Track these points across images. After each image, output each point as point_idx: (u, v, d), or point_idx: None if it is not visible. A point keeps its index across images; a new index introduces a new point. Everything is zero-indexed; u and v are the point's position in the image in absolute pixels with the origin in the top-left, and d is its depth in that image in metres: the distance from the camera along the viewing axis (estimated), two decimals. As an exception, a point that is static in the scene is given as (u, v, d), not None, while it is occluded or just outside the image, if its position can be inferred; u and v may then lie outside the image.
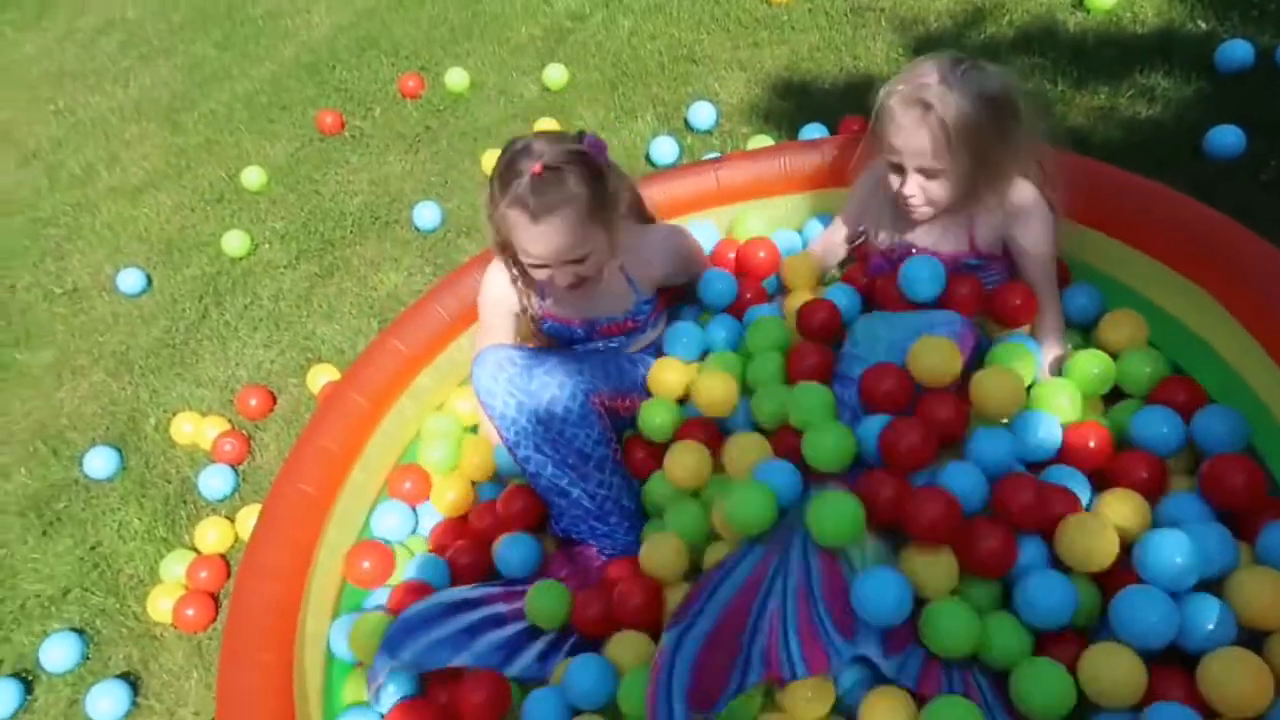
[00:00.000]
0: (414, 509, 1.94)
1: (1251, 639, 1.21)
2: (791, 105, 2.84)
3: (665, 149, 2.79)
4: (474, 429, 2.07)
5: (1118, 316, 1.70)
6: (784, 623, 1.29)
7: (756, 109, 2.90)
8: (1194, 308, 1.62)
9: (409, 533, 1.91)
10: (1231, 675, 1.14)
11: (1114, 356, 1.63)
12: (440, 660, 1.52)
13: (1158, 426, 1.48)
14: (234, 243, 3.06)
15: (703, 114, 2.87)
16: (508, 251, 1.77)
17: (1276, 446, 1.45)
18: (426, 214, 2.89)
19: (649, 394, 1.84)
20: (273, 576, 1.60)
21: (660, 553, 1.56)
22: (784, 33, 3.15)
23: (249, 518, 2.17)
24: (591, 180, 1.61)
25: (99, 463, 2.45)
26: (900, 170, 1.64)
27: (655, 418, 1.75)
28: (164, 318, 2.96)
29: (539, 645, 1.58)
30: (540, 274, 1.72)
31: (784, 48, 3.09)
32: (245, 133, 3.74)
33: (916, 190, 1.63)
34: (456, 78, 3.46)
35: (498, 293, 1.89)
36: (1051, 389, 1.57)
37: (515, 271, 1.83)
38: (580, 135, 1.68)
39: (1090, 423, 1.55)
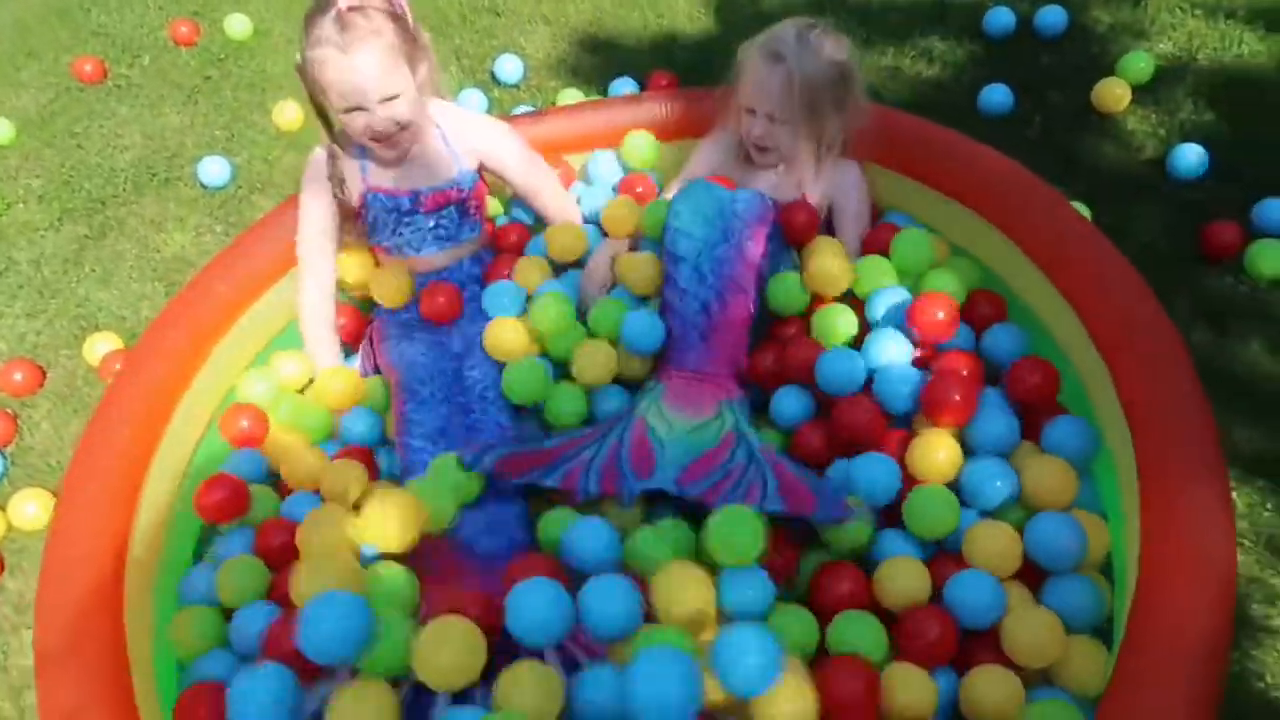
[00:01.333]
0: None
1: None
2: (599, 60, 2.84)
3: (473, 102, 2.71)
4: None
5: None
6: (591, 462, 1.53)
7: (564, 63, 2.87)
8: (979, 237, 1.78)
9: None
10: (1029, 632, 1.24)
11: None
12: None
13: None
14: (-21, 202, 2.70)
15: (509, 68, 2.81)
16: (321, 112, 1.77)
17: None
18: (213, 169, 2.66)
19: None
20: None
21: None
22: (587, -12, 3.14)
23: (23, 503, 1.94)
24: (395, 19, 1.68)
25: None
26: (753, 114, 1.80)
27: (518, 382, 1.72)
28: (-106, 289, 2.57)
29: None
30: (357, 122, 1.71)
31: (587, 3, 3.07)
32: (-16, 81, 3.30)
33: (764, 132, 1.79)
34: (238, 25, 3.20)
35: (318, 172, 1.86)
36: (873, 264, 1.70)
37: (334, 160, 1.83)
38: None
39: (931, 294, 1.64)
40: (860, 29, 2.72)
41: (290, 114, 2.78)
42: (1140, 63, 2.35)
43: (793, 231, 1.78)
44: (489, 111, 2.72)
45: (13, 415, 2.17)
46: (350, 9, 1.63)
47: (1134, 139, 2.28)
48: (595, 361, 1.72)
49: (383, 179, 1.87)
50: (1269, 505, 1.63)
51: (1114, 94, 2.32)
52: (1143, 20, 2.54)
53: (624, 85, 2.64)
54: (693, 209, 1.66)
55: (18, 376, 2.22)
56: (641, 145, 2.12)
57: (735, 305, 1.63)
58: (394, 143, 1.78)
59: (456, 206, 1.93)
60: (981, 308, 1.69)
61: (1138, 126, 2.31)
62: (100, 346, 2.23)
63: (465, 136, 1.92)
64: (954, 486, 1.42)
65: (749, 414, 1.63)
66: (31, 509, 1.93)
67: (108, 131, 2.97)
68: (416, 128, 1.80)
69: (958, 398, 1.43)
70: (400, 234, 1.92)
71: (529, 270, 1.93)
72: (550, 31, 2.99)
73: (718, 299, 1.63)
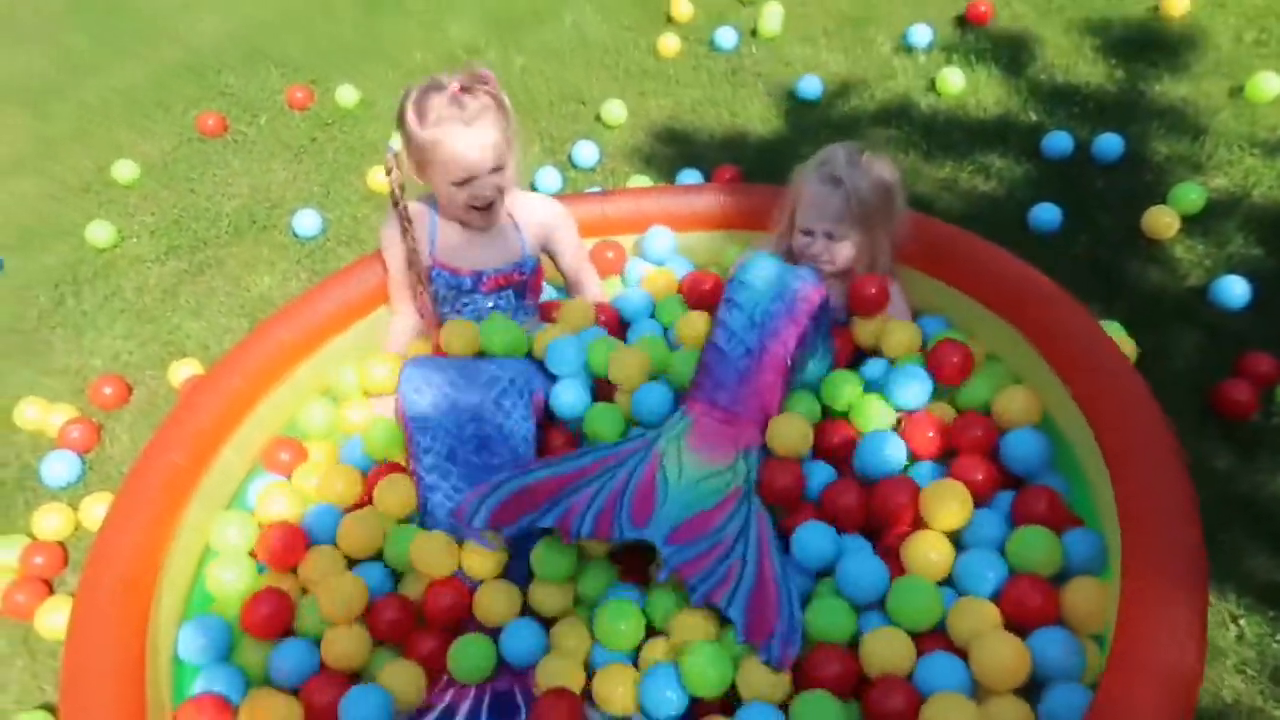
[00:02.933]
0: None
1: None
2: (672, 151, 3.02)
3: (550, 179, 2.91)
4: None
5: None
6: (591, 500, 1.54)
7: (638, 152, 3.06)
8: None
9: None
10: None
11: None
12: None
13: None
14: (99, 233, 2.98)
15: (586, 152, 3.01)
16: (424, 176, 1.91)
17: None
18: (307, 221, 2.90)
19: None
20: (131, 548, 1.58)
21: None
22: (669, 85, 3.34)
23: (94, 506, 2.11)
24: (498, 99, 1.85)
25: None
26: (810, 234, 1.94)
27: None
28: (14, 303, 2.84)
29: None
30: (463, 192, 1.87)
31: (668, 99, 3.28)
32: (120, 127, 3.65)
33: (822, 250, 1.94)
34: (347, 94, 3.49)
35: (392, 240, 2.03)
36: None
37: (408, 224, 1.97)
38: (468, 66, 1.88)
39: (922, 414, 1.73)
40: (922, 141, 2.85)
41: (381, 177, 3.01)
42: (1192, 194, 2.41)
43: (864, 303, 1.87)
44: (562, 191, 2.90)
45: (98, 425, 2.37)
46: (464, 89, 1.81)
47: (1179, 266, 2.33)
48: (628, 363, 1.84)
49: (449, 256, 2.01)
50: (1279, 637, 1.62)
51: (1163, 221, 2.38)
52: (1200, 154, 2.61)
53: (690, 175, 2.79)
54: (758, 268, 1.75)
55: (107, 390, 2.42)
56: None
57: (776, 356, 1.68)
58: (491, 212, 1.95)
59: (515, 289, 2.06)
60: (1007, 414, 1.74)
61: (1184, 255, 2.35)
62: (183, 371, 2.42)
63: (532, 216, 2.05)
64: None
65: (760, 466, 1.66)
66: (100, 512, 2.10)
67: (220, 180, 3.25)
68: (504, 202, 1.97)
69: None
70: (459, 311, 2.06)
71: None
72: (630, 122, 3.19)
73: (762, 346, 1.68)
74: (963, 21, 3.31)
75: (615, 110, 3.16)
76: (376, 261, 2.09)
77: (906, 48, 3.25)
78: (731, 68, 3.36)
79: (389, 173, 1.93)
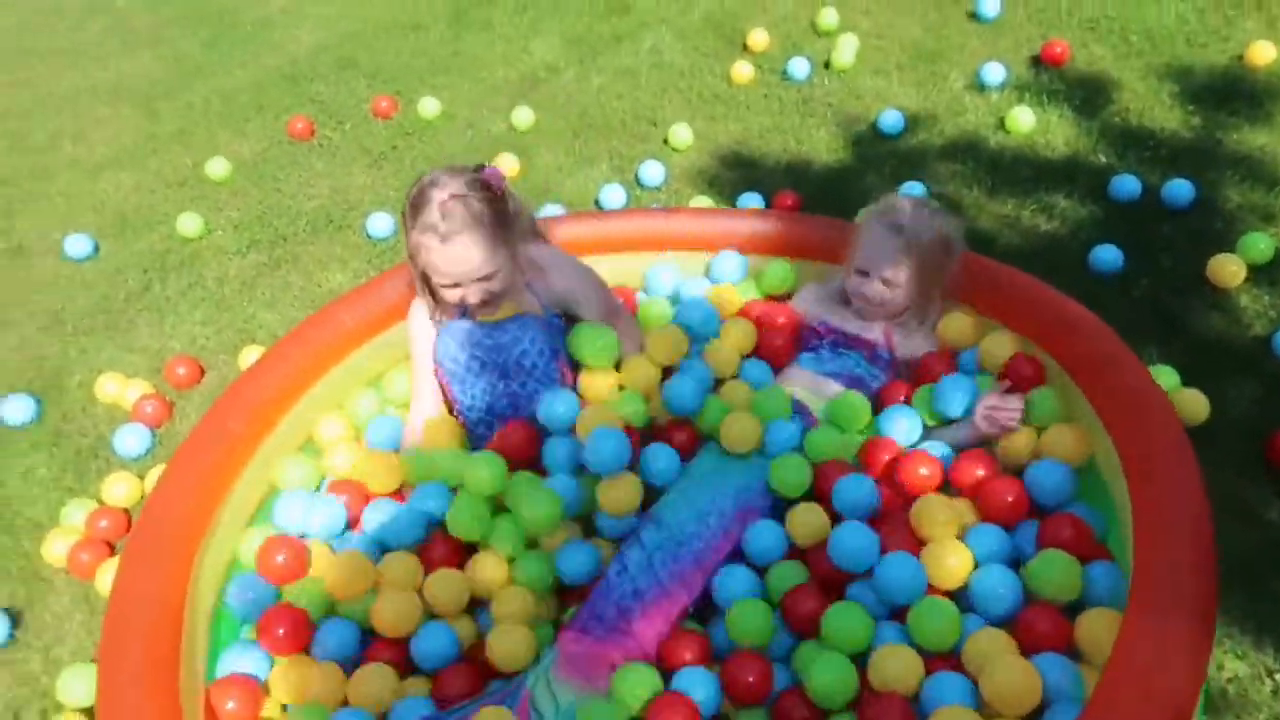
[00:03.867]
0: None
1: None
2: (735, 175, 3.07)
3: (614, 196, 2.98)
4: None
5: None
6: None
7: (703, 174, 3.12)
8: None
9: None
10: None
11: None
12: None
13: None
14: (188, 224, 3.15)
15: (652, 172, 3.08)
16: (424, 278, 1.91)
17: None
18: (380, 224, 3.02)
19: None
20: (182, 499, 1.68)
21: None
22: (739, 111, 3.40)
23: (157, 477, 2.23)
24: (492, 203, 1.80)
25: (15, 409, 2.49)
26: (865, 275, 1.99)
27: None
28: (105, 285, 3.02)
29: None
30: (453, 294, 1.86)
31: (737, 124, 3.33)
32: (218, 127, 3.86)
33: (876, 293, 1.98)
34: (429, 106, 3.64)
35: (420, 327, 2.03)
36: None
37: (432, 301, 1.97)
38: (479, 167, 1.86)
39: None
40: (987, 178, 2.84)
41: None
42: (1261, 244, 2.36)
43: (1021, 380, 1.81)
44: (625, 205, 2.97)
45: (170, 403, 2.51)
46: (452, 197, 1.75)
47: (1243, 315, 2.28)
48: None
49: (479, 311, 1.98)
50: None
51: (1229, 270, 2.33)
52: (1273, 204, 2.55)
53: (751, 198, 2.84)
54: (681, 493, 1.73)
55: (181, 371, 2.56)
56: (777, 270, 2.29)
57: (667, 606, 1.59)
58: (487, 308, 1.92)
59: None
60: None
61: (1249, 304, 2.30)
62: (253, 357, 2.54)
63: (550, 288, 2.00)
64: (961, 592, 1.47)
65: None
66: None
67: (303, 181, 3.42)
68: (508, 289, 1.92)
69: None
70: None
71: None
72: (697, 145, 3.25)
73: (652, 593, 1.59)
74: (1037, 62, 3.30)
75: (683, 133, 3.23)
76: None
77: (979, 85, 3.25)
78: (802, 97, 3.40)
79: (412, 257, 1.89)
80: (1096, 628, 1.33)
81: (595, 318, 2.02)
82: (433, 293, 1.94)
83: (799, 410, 1.92)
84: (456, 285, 1.83)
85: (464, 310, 1.96)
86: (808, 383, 2.00)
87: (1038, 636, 1.35)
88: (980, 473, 1.67)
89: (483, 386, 1.90)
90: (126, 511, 2.22)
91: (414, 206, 1.78)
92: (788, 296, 2.28)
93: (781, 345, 2.07)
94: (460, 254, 1.77)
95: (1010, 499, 1.61)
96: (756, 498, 1.74)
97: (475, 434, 1.95)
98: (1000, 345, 1.88)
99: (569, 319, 2.01)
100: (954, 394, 1.80)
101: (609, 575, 1.63)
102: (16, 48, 4.93)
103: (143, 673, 1.43)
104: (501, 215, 1.82)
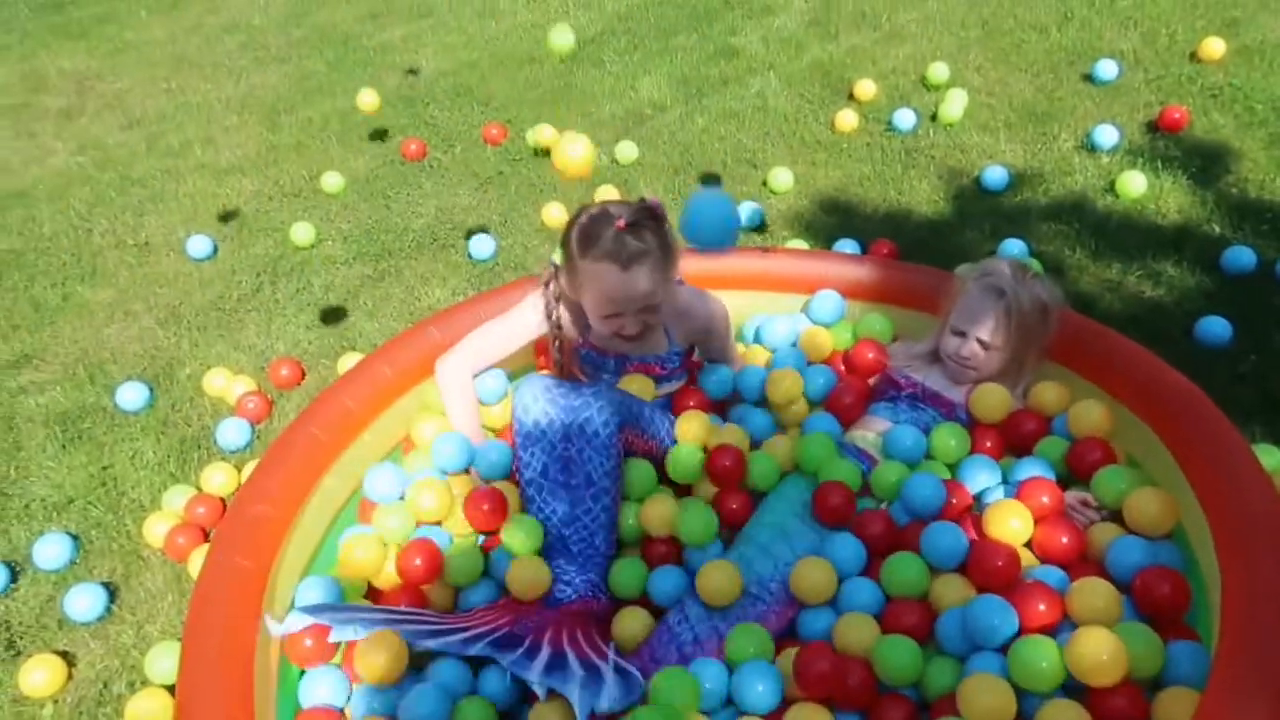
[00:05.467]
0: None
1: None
2: (832, 221, 3.08)
3: (710, 234, 3.02)
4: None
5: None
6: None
7: (800, 218, 3.13)
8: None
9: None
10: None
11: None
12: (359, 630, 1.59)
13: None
14: (301, 233, 3.30)
15: (750, 213, 3.11)
16: (570, 305, 1.97)
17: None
18: (483, 245, 3.12)
19: (669, 442, 1.97)
20: (265, 501, 1.75)
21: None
22: (840, 158, 3.41)
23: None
24: (661, 234, 1.84)
25: (130, 395, 2.63)
26: (963, 336, 1.98)
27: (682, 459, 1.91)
28: (220, 284, 3.18)
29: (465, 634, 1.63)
30: (610, 324, 1.89)
31: (838, 171, 3.34)
32: (335, 143, 4.05)
33: (972, 354, 1.97)
34: (538, 135, 3.75)
35: (528, 317, 2.05)
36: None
37: (555, 305, 2.00)
38: (642, 199, 1.88)
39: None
40: (1092, 240, 2.79)
41: (555, 213, 3.21)
42: (1383, 327, 2.26)
43: (1087, 465, 1.78)
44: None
45: (270, 400, 2.62)
46: (630, 224, 1.78)
47: (1359, 401, 2.18)
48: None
49: (600, 341, 2.05)
50: None
51: (1346, 351, 2.24)
52: (1399, 288, 2.44)
53: (846, 244, 2.84)
54: (755, 541, 1.77)
55: (284, 371, 2.68)
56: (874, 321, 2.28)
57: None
58: (637, 342, 1.96)
59: (656, 377, 2.08)
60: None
61: (1366, 388, 2.20)
62: (350, 363, 2.64)
63: (685, 321, 2.05)
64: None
65: None
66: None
67: (412, 199, 3.55)
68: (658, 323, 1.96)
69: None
70: (599, 379, 2.10)
71: None
72: (796, 189, 3.27)
73: (715, 641, 1.65)
74: (1153, 127, 3.23)
75: (783, 177, 3.25)
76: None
77: (1089, 146, 3.20)
78: (906, 148, 3.40)
79: (547, 284, 1.97)
80: (1175, 708, 1.28)
81: (724, 347, 2.16)
82: (571, 305, 1.99)
83: (860, 456, 1.91)
84: (618, 315, 1.86)
85: (587, 329, 2.01)
86: (879, 429, 1.97)
87: (1113, 712, 1.30)
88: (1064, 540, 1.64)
89: (544, 445, 1.81)
90: (222, 500, 2.32)
91: (586, 235, 1.81)
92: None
93: (858, 393, 2.06)
94: (638, 281, 1.80)
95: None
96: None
97: (527, 496, 1.84)
98: (1091, 411, 1.84)
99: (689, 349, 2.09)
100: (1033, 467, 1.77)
101: (669, 621, 1.67)
102: (163, 57, 5.26)
103: (221, 656, 1.50)
104: (668, 246, 1.86)
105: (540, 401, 1.79)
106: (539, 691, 1.42)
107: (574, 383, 1.88)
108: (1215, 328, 2.37)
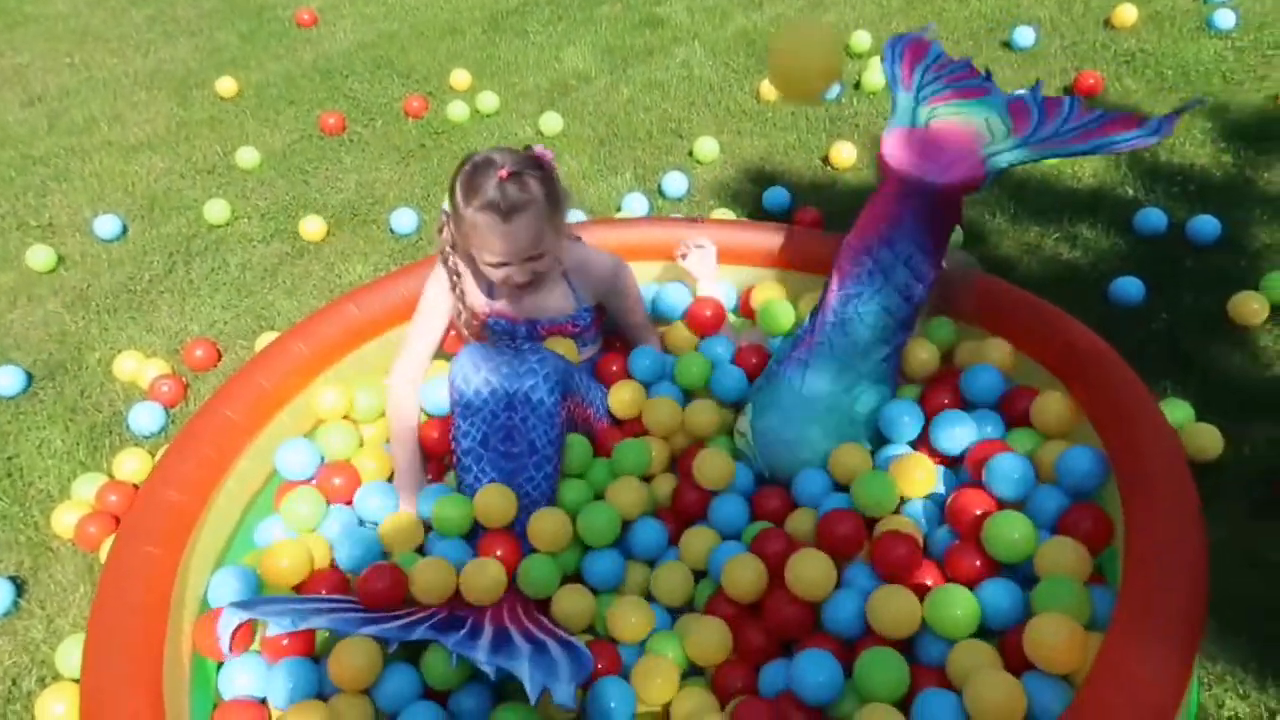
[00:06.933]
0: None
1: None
2: (758, 189, 3.08)
3: (637, 205, 3.00)
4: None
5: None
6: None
7: (726, 187, 3.13)
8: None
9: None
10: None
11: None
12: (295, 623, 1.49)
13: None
14: (215, 211, 3.19)
15: (676, 183, 3.09)
16: (463, 253, 1.91)
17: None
18: (404, 219, 3.05)
19: (605, 414, 1.98)
20: (175, 486, 1.69)
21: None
22: (765, 127, 3.41)
23: (169, 455, 2.25)
24: (546, 183, 1.81)
25: (6, 381, 2.55)
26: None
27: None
28: (131, 265, 3.06)
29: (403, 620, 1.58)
30: (498, 273, 1.85)
31: (763, 140, 3.34)
32: (250, 118, 3.91)
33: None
34: (459, 109, 3.67)
35: (437, 296, 2.00)
36: None
37: (456, 277, 1.96)
38: (528, 147, 1.87)
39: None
40: (1010, 204, 2.83)
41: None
42: (1285, 284, 2.34)
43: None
44: (647, 214, 2.98)
45: (185, 383, 2.53)
46: (511, 174, 1.75)
47: (1262, 355, 2.25)
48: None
49: (506, 306, 2.01)
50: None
51: (1250, 308, 2.31)
52: (1300, 245, 2.53)
53: (777, 194, 2.85)
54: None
55: (199, 353, 2.59)
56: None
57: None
58: (529, 288, 1.91)
59: (570, 337, 2.05)
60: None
61: (1270, 345, 2.27)
62: (267, 342, 2.57)
63: (588, 276, 2.02)
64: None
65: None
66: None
67: (331, 174, 3.46)
68: (550, 274, 1.94)
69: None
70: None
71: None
72: (722, 159, 3.26)
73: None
74: (1069, 92, 3.29)
75: (709, 146, 3.24)
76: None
77: (1008, 113, 3.24)
78: (830, 117, 3.41)
79: (440, 230, 1.92)
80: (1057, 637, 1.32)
81: (633, 307, 2.10)
82: (470, 261, 1.92)
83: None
84: (505, 264, 1.83)
85: (490, 291, 1.98)
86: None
87: (1019, 650, 1.34)
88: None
89: (485, 415, 1.78)
90: (135, 487, 2.23)
91: (469, 183, 1.78)
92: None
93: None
94: (519, 231, 1.77)
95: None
96: None
97: (463, 465, 1.81)
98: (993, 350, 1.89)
99: (599, 309, 2.06)
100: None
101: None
102: (66, 30, 5.02)
103: (127, 647, 1.44)
104: (554, 195, 1.83)
105: (481, 370, 1.76)
106: (488, 670, 1.38)
107: (515, 350, 1.84)
108: (1128, 287, 2.43)
